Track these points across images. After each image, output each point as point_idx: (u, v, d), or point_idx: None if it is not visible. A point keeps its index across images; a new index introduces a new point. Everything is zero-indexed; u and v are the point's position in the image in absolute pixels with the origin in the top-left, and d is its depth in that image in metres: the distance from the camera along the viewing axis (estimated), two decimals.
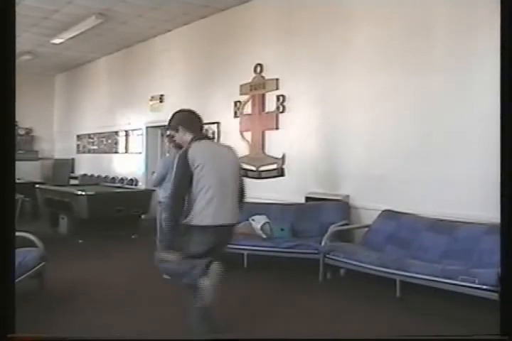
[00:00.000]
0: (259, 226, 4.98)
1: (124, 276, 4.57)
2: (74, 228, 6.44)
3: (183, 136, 3.05)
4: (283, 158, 5.84)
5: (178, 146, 3.96)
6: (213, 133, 6.87)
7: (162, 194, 4.69)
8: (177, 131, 3.09)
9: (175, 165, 2.90)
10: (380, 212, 4.63)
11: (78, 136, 10.83)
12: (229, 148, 3.17)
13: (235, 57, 6.55)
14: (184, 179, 2.84)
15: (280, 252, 4.64)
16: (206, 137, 3.20)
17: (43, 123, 11.59)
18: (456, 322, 3.32)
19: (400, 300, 3.74)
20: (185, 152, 2.88)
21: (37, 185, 7.46)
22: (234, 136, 6.49)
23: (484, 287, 3.22)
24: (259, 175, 6.14)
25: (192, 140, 2.98)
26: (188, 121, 3.09)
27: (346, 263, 4.15)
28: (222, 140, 6.78)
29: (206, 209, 2.84)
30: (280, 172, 5.89)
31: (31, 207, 7.55)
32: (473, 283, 3.27)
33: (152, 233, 5.33)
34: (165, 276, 3.49)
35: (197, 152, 2.88)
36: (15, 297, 2.12)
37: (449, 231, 4.04)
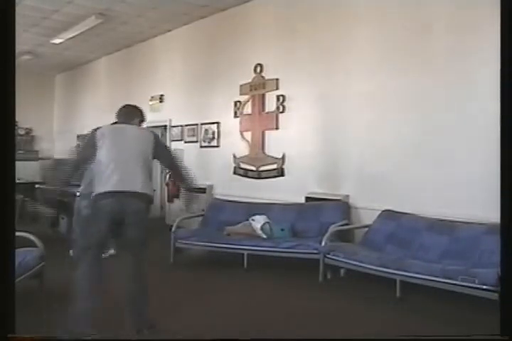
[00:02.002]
0: (259, 226, 4.98)
1: (123, 276, 4.56)
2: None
3: None
4: (283, 158, 5.84)
5: None
6: (213, 133, 6.87)
7: (81, 188, 5.26)
8: None
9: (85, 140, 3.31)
10: (380, 212, 4.63)
11: (78, 136, 10.81)
12: (144, 130, 3.49)
13: (235, 57, 6.55)
14: (86, 150, 3.26)
15: (280, 252, 4.64)
16: (126, 122, 3.41)
17: (43, 123, 11.57)
18: (456, 322, 3.31)
19: (400, 300, 3.74)
20: (95, 129, 3.27)
21: (37, 185, 7.45)
22: (234, 136, 6.49)
23: (484, 287, 3.21)
24: (259, 175, 6.14)
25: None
26: (117, 113, 3.51)
27: (346, 263, 4.15)
28: (222, 140, 6.79)
29: (101, 180, 3.13)
30: (280, 172, 5.89)
31: (31, 207, 7.54)
32: (473, 283, 3.27)
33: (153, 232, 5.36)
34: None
35: (104, 130, 3.29)
36: (15, 297, 2.12)
37: (449, 231, 4.03)
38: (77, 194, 5.49)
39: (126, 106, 3.58)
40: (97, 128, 3.28)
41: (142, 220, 3.19)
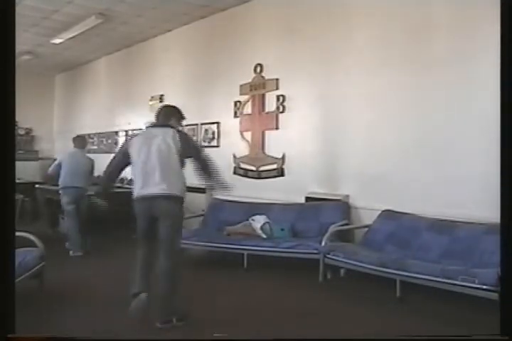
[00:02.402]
0: (259, 226, 4.98)
1: (124, 276, 4.56)
2: None
3: None
4: (283, 158, 5.84)
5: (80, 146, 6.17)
6: (213, 133, 6.87)
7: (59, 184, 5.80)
8: None
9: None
10: (380, 212, 4.63)
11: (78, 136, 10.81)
12: (168, 130, 3.45)
13: (235, 57, 6.55)
14: (117, 158, 3.58)
15: (280, 252, 4.64)
16: (163, 123, 3.56)
17: (43, 123, 11.56)
18: (456, 322, 3.31)
19: (400, 300, 3.74)
20: (130, 136, 3.65)
21: (37, 185, 7.45)
22: (234, 136, 6.49)
23: (484, 287, 3.21)
24: (259, 175, 6.14)
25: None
26: (155, 114, 3.65)
27: (346, 263, 4.15)
28: (222, 140, 6.79)
29: (135, 185, 3.45)
30: (280, 172, 5.88)
31: (31, 207, 7.54)
32: (473, 283, 3.27)
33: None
34: None
35: (133, 137, 3.60)
36: (15, 297, 2.12)
37: (449, 231, 4.03)
38: (60, 192, 5.82)
39: (164, 107, 3.76)
40: (131, 136, 3.71)
41: (168, 219, 3.36)
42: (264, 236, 4.91)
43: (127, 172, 9.48)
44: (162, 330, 3.15)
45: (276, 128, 5.93)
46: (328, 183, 5.36)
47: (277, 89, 5.93)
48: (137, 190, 3.39)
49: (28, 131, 11.36)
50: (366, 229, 4.67)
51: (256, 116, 6.18)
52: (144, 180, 3.35)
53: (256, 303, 3.78)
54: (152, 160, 3.34)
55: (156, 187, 3.31)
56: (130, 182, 8.45)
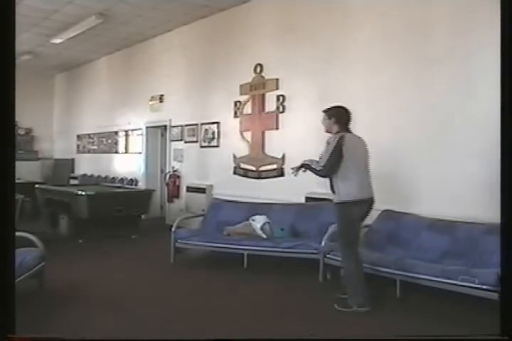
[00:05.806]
0: (259, 226, 4.97)
1: (123, 276, 4.57)
2: (74, 228, 6.44)
3: (332, 125, 3.79)
4: (283, 158, 5.84)
5: None
6: (213, 133, 6.87)
7: None
8: (329, 119, 3.82)
9: (332, 147, 3.60)
10: (380, 212, 4.62)
11: (78, 136, 10.83)
12: (362, 139, 3.82)
13: (235, 57, 6.55)
14: (338, 158, 3.61)
15: (280, 252, 4.64)
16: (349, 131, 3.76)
17: (43, 123, 11.59)
18: (456, 322, 3.31)
19: (400, 300, 3.74)
20: (342, 139, 3.59)
21: (37, 185, 7.46)
22: (234, 136, 6.49)
23: (484, 287, 3.21)
24: (259, 175, 6.14)
25: (340, 131, 3.69)
26: (340, 115, 3.78)
27: None
28: (222, 140, 6.79)
29: (353, 187, 3.68)
30: (280, 172, 5.88)
31: (31, 207, 7.54)
32: (473, 283, 3.27)
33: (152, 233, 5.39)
34: None
35: (347, 141, 3.61)
36: (15, 297, 2.12)
37: (449, 231, 4.03)
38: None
39: (346, 109, 3.86)
40: (342, 138, 3.66)
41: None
42: (264, 236, 4.90)
43: (127, 173, 9.48)
44: None
45: (277, 128, 5.93)
46: (328, 183, 5.34)
47: (277, 89, 5.93)
48: (355, 193, 3.71)
49: (28, 131, 11.38)
50: (366, 229, 4.66)
51: (256, 116, 6.18)
52: (360, 181, 3.79)
53: (256, 303, 3.78)
54: (361, 163, 3.88)
55: (367, 189, 3.88)
56: (130, 182, 8.53)
